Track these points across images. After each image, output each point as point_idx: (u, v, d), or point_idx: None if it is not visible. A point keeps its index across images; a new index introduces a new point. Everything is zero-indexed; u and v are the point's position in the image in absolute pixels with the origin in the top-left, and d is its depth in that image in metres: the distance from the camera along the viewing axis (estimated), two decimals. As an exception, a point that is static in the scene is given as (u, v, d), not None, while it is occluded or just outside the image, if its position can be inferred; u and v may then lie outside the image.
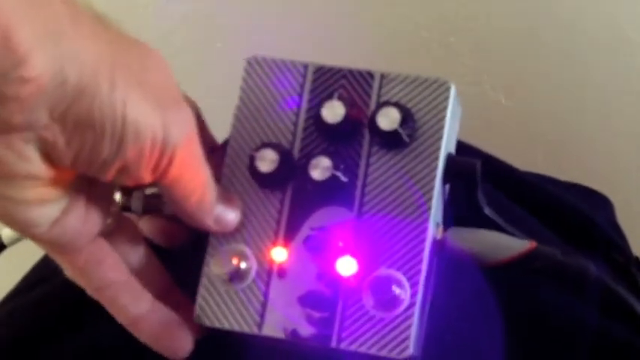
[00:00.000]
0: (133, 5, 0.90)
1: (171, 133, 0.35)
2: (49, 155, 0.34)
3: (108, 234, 0.40)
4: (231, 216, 0.41)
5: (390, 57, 0.86)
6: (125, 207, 0.42)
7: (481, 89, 0.86)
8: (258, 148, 0.41)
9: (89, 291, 0.40)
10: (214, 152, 0.43)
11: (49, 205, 0.36)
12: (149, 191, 0.42)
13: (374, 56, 0.86)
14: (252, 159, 0.41)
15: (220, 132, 0.45)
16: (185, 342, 0.41)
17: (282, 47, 0.85)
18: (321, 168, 0.41)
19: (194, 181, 0.38)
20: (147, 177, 0.36)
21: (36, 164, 0.33)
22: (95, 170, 0.35)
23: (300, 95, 0.43)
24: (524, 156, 0.79)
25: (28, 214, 0.35)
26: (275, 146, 0.41)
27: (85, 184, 0.37)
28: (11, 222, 0.36)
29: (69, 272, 0.40)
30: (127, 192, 0.42)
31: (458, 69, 0.86)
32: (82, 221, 0.37)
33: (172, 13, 0.89)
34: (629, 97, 0.85)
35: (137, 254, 0.42)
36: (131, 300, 0.40)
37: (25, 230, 0.36)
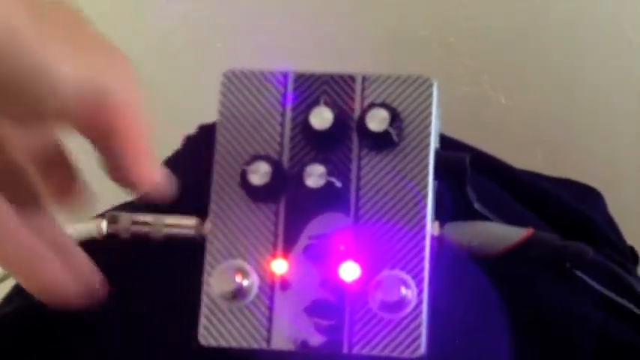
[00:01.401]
0: (133, 5, 0.90)
1: (104, 79, 0.33)
2: None
3: None
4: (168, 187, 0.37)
5: (390, 57, 0.86)
6: (111, 234, 0.41)
7: (481, 89, 0.86)
8: (248, 162, 0.41)
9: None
10: None
11: None
12: (137, 217, 0.42)
13: (374, 56, 0.86)
14: (243, 173, 0.41)
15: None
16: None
17: (282, 47, 0.86)
18: (315, 175, 0.40)
19: (137, 127, 0.35)
20: (84, 124, 0.33)
21: None
22: (25, 124, 0.34)
23: (287, 95, 0.43)
24: (524, 156, 0.79)
25: None
26: (266, 158, 0.41)
27: None
28: None
29: None
30: (113, 219, 0.42)
31: (458, 69, 0.86)
32: None
33: (172, 13, 0.89)
34: (629, 97, 0.85)
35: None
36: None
37: None
